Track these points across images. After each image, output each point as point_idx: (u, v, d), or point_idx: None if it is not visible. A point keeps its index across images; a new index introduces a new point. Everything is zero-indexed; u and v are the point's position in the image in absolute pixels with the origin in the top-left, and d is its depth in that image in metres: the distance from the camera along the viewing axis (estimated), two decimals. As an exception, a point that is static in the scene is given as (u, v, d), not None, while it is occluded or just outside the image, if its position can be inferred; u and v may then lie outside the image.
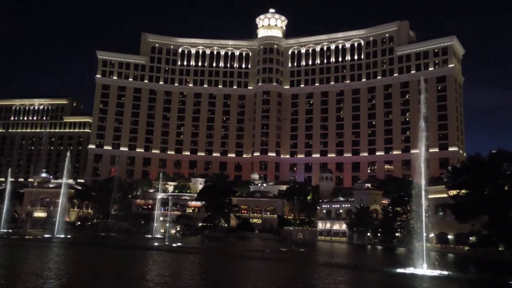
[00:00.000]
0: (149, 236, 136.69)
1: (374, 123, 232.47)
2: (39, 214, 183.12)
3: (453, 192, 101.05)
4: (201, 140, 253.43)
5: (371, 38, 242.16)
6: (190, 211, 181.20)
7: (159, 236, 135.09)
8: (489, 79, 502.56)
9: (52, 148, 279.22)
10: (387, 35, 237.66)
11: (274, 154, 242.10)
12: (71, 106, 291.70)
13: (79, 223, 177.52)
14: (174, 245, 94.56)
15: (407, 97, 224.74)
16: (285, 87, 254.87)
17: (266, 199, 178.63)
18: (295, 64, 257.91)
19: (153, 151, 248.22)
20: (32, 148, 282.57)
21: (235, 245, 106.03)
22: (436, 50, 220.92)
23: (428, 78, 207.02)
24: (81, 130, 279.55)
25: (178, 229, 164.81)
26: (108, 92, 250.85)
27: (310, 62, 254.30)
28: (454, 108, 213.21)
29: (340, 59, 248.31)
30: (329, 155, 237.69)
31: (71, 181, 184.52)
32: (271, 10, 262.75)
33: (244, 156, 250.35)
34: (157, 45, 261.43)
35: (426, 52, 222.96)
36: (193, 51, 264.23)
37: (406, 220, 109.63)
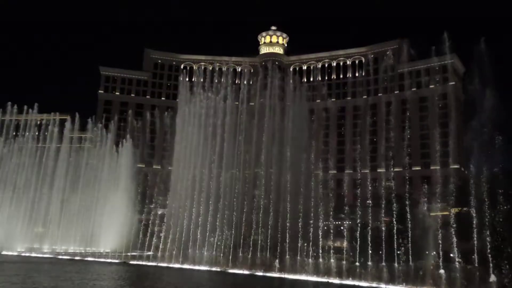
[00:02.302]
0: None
1: (375, 140, 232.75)
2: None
3: (455, 210, 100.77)
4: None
5: (372, 56, 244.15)
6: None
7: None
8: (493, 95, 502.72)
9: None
10: (388, 52, 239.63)
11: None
12: (74, 121, 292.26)
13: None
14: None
15: (407, 114, 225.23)
16: (287, 103, 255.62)
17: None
18: (296, 81, 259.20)
19: (154, 166, 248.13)
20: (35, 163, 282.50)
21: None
22: (437, 68, 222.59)
23: (428, 95, 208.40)
24: (83, 145, 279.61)
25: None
26: (110, 107, 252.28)
27: (311, 79, 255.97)
28: (455, 125, 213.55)
29: (341, 76, 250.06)
30: (330, 172, 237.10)
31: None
32: (273, 28, 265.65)
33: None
34: (159, 61, 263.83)
35: (427, 70, 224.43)
36: (195, 67, 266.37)
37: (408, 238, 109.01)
